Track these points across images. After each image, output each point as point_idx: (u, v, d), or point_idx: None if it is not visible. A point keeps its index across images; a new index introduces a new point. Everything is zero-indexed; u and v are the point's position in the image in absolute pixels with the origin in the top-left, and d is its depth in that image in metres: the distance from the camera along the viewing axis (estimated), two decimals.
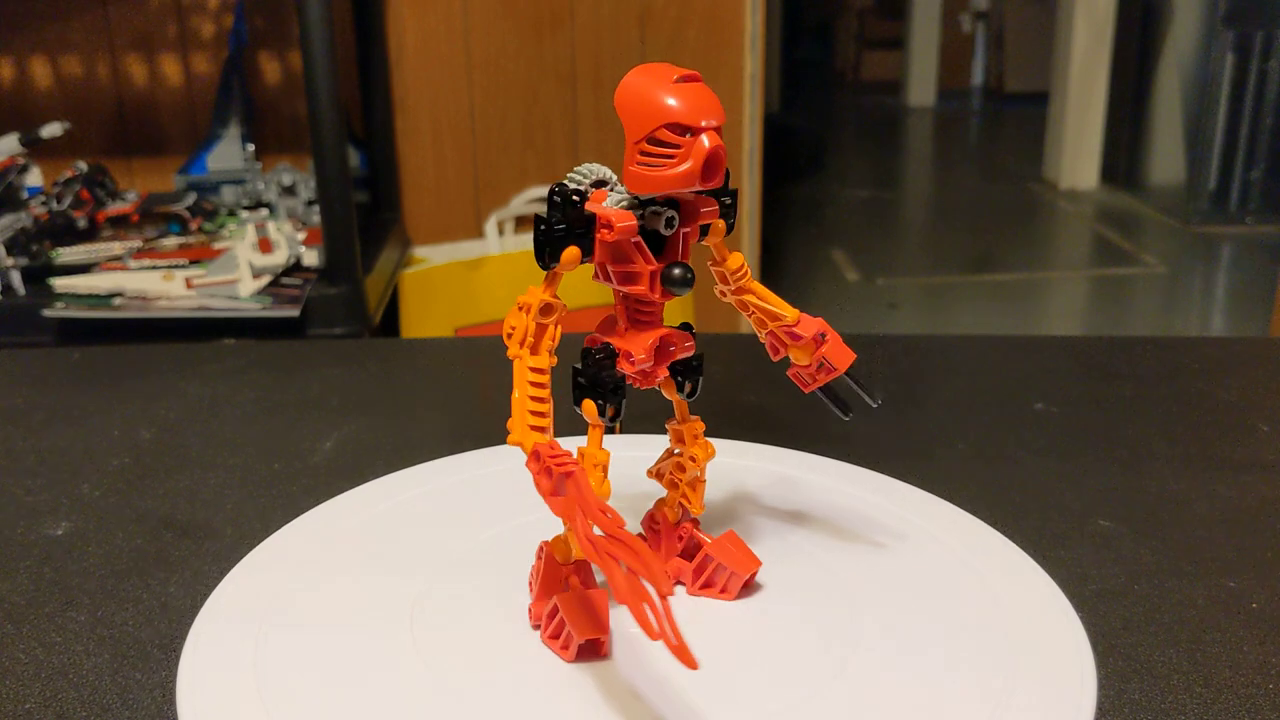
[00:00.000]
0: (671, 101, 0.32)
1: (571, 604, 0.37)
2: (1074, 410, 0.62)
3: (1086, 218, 3.40)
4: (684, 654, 0.27)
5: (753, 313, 0.39)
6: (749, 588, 0.40)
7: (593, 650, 0.37)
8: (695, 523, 0.41)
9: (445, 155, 1.86)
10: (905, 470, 0.49)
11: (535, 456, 0.33)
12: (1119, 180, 3.59)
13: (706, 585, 0.39)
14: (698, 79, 0.33)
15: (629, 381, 0.37)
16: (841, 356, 0.39)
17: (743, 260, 0.37)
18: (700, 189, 0.33)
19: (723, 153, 0.33)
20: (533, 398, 0.34)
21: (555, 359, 0.35)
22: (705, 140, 0.32)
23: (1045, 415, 0.62)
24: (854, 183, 3.94)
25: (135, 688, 0.38)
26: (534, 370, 0.34)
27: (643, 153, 0.33)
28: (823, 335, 0.39)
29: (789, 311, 0.38)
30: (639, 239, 0.35)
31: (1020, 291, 2.82)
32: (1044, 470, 0.55)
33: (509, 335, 0.35)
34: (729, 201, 0.36)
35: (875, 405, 0.40)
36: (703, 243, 0.37)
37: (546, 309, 0.35)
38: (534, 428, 0.34)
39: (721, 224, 0.36)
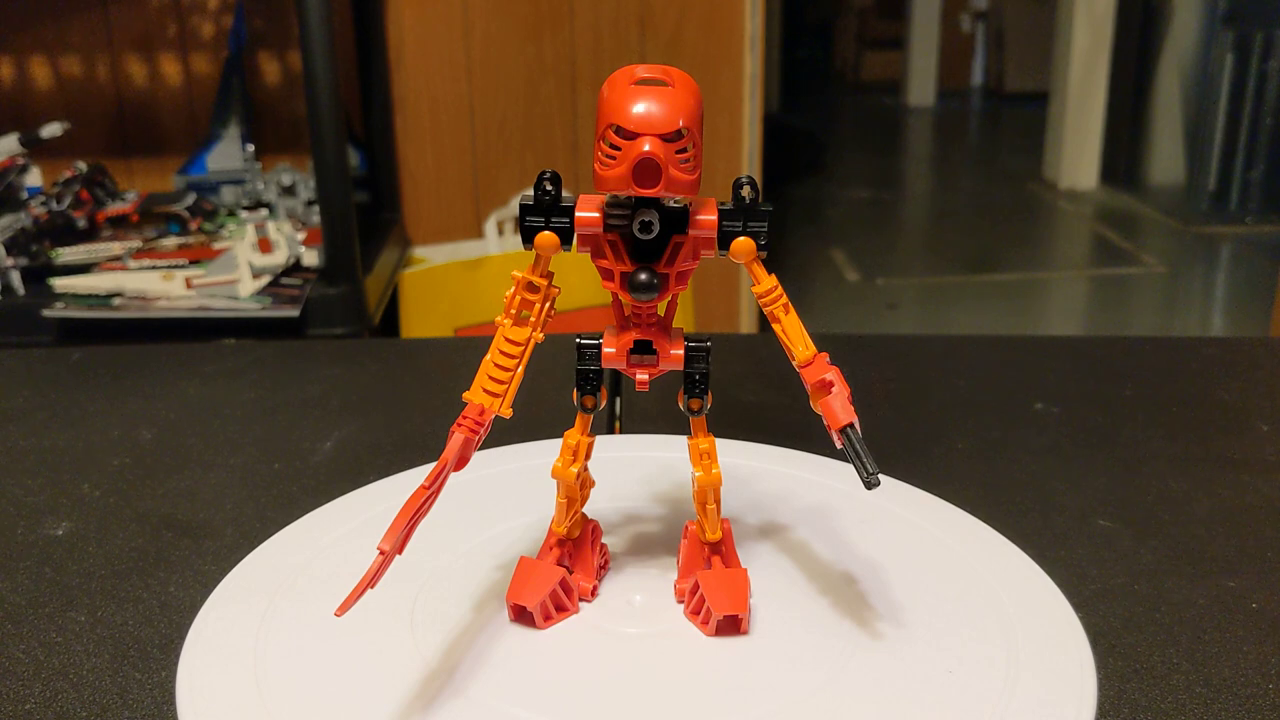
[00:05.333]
0: (619, 105, 0.33)
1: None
2: (1074, 410, 0.62)
3: (1086, 218, 3.40)
4: (347, 600, 0.32)
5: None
6: (735, 623, 0.38)
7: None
8: (717, 544, 0.40)
9: (445, 155, 1.86)
10: (905, 470, 0.49)
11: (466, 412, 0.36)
12: (1119, 180, 3.59)
13: (694, 612, 0.39)
14: (663, 82, 0.34)
15: (637, 387, 0.38)
16: (834, 415, 0.36)
17: (772, 285, 0.36)
18: (640, 194, 0.33)
19: (657, 160, 0.33)
20: (497, 364, 0.36)
21: (541, 336, 0.37)
22: (645, 145, 0.33)
23: (1045, 415, 0.62)
24: (854, 183, 3.94)
25: (135, 688, 0.38)
26: (508, 340, 0.36)
27: (601, 150, 0.34)
28: (830, 385, 0.36)
29: (800, 350, 0.36)
30: (615, 238, 0.36)
31: (1020, 291, 2.82)
32: (1044, 470, 0.55)
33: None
34: (760, 226, 0.36)
35: (867, 479, 0.35)
36: (724, 256, 0.36)
37: (530, 287, 0.36)
38: (487, 391, 0.36)
39: (747, 243, 0.36)
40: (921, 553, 0.43)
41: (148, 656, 0.40)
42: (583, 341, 0.38)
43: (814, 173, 3.97)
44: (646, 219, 0.35)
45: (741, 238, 0.36)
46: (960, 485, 0.51)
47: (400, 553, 0.33)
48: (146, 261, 1.45)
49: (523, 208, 0.36)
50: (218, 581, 0.41)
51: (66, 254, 1.46)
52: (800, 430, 0.54)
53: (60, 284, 1.38)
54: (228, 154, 1.69)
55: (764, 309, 0.37)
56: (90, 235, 1.52)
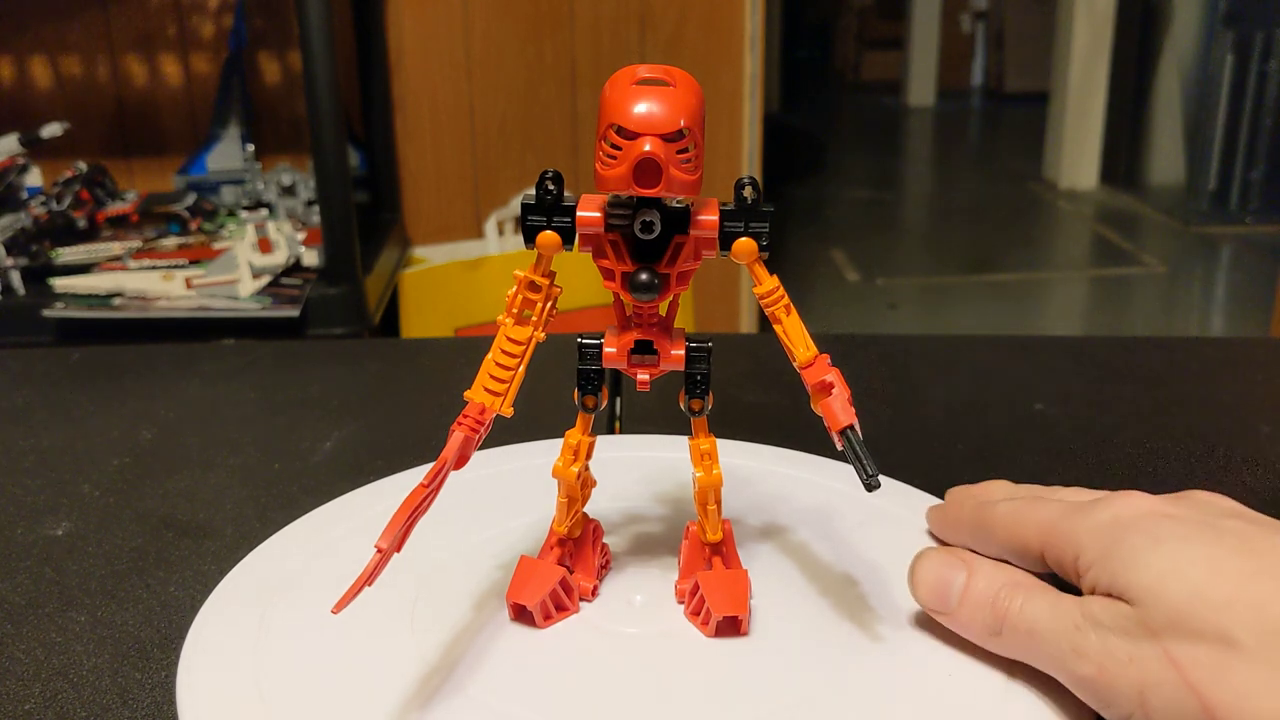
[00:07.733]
0: (621, 105, 0.33)
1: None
2: (1074, 410, 0.62)
3: (1086, 218, 3.40)
4: (344, 597, 0.32)
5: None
6: (735, 624, 0.38)
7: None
8: (718, 545, 0.40)
9: (445, 155, 1.86)
10: (905, 471, 0.49)
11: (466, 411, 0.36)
12: (1119, 180, 3.60)
13: (694, 612, 0.39)
14: (664, 82, 0.34)
15: (638, 387, 0.38)
16: (834, 416, 0.36)
17: (774, 286, 0.36)
18: (641, 194, 0.33)
19: (658, 160, 0.33)
20: (498, 363, 0.36)
21: (543, 335, 0.37)
22: (646, 145, 0.33)
23: (1045, 415, 0.62)
24: (854, 183, 3.95)
25: (135, 688, 0.38)
26: (509, 339, 0.36)
27: (602, 150, 0.34)
28: (830, 387, 0.36)
29: (800, 351, 0.36)
30: (616, 237, 0.36)
31: (1020, 291, 2.82)
32: (1044, 470, 0.55)
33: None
34: (762, 226, 0.35)
35: (867, 481, 0.35)
36: (725, 257, 0.36)
37: (532, 287, 0.36)
38: (488, 390, 0.36)
39: (748, 243, 0.36)
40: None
41: (148, 656, 0.40)
42: (584, 341, 0.38)
43: (814, 173, 3.97)
44: (648, 219, 0.35)
45: (743, 238, 0.36)
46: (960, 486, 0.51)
47: (398, 550, 0.33)
48: (146, 261, 1.45)
49: (524, 207, 0.36)
50: (218, 581, 0.41)
51: (66, 254, 1.46)
52: (801, 431, 0.54)
53: (60, 284, 1.38)
54: (228, 154, 1.69)
55: (765, 310, 0.36)
56: (90, 235, 1.52)
